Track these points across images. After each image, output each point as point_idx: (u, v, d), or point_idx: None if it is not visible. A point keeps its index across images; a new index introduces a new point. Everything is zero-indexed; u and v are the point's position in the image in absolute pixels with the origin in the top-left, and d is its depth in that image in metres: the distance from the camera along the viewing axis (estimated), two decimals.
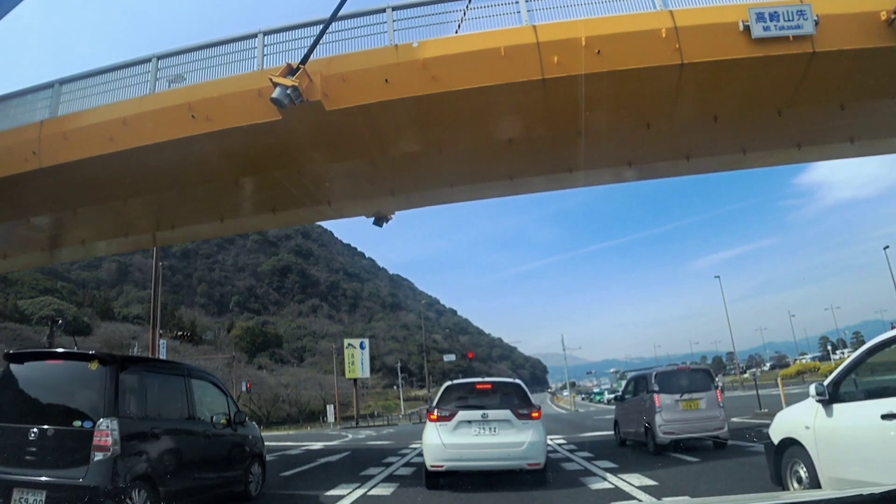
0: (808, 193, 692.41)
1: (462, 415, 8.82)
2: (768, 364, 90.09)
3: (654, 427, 12.22)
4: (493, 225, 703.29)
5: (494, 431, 8.70)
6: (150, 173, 12.14)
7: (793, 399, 22.88)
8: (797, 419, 6.18)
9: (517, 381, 10.20)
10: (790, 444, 6.23)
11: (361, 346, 56.17)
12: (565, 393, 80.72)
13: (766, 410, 20.06)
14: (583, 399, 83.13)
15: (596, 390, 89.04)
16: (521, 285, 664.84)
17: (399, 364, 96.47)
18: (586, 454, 12.70)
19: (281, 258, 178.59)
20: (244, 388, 55.86)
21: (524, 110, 10.81)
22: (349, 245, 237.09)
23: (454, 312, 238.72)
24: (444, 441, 8.70)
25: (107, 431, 5.99)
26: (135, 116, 11.11)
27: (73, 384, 6.58)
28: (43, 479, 5.83)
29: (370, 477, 10.29)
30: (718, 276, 60.87)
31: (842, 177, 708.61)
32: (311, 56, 9.93)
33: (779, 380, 23.37)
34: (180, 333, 55.67)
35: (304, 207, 14.87)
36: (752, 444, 11.90)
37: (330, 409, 56.61)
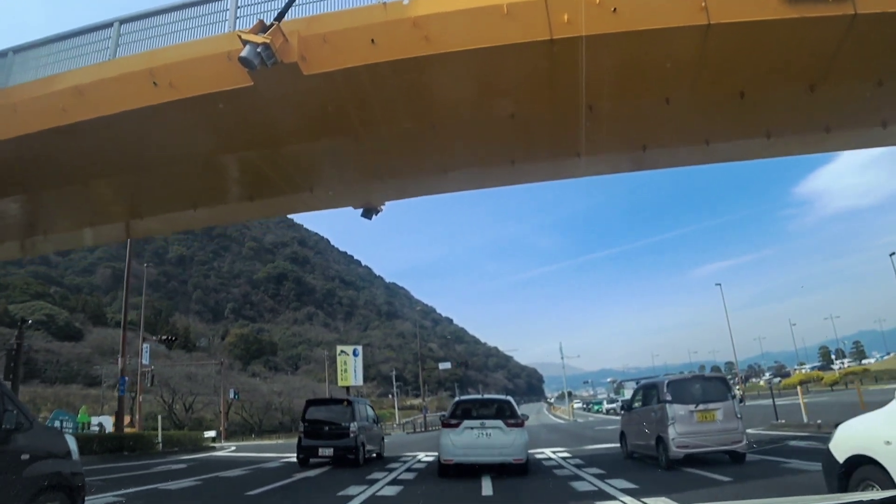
0: (807, 203, 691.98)
1: (466, 423, 11.73)
2: (767, 374, 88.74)
3: (666, 440, 11.32)
4: (489, 233, 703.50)
5: (490, 436, 11.55)
6: (110, 150, 10.93)
7: (813, 409, 21.42)
8: (872, 433, 4.99)
9: (508, 398, 13.15)
10: (862, 462, 5.00)
11: (355, 354, 53.51)
12: (576, 403, 78.29)
13: (783, 421, 18.75)
14: (584, 409, 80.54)
15: (595, 399, 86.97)
16: (517, 294, 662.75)
17: (394, 372, 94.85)
18: (596, 471, 11.24)
19: (277, 265, 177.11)
20: (232, 396, 53.81)
21: (529, 79, 9.61)
22: (345, 253, 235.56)
23: (450, 321, 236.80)
24: (454, 442, 11.62)
25: (354, 428, 15.05)
26: (91, 85, 9.91)
27: (338, 410, 15.97)
28: (330, 443, 14.92)
29: (349, 498, 8.95)
30: (719, 284, 59.14)
31: (842, 185, 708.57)
32: (290, 14, 8.76)
33: (799, 388, 21.77)
34: (164, 338, 53.46)
35: (284, 195, 13.65)
36: (788, 461, 10.55)
37: None
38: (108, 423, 43.46)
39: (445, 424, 11.99)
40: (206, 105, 9.54)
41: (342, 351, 54.53)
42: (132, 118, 9.86)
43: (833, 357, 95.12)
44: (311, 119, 10.41)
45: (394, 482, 10.91)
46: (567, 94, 9.70)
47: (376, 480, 11.11)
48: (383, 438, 19.59)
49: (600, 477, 10.23)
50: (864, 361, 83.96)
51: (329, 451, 14.89)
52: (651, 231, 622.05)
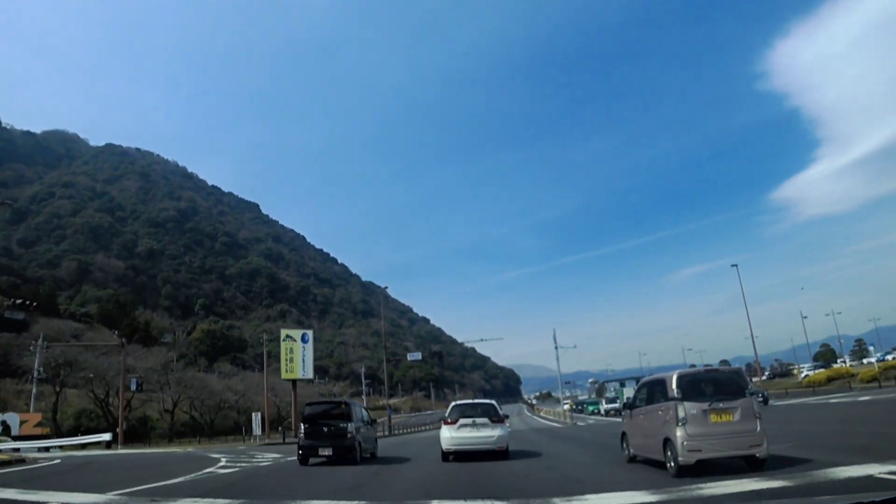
0: (783, 209, 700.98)
1: (462, 421, 15.95)
2: (766, 374, 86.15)
3: (675, 443, 10.18)
4: (468, 235, 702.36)
5: (479, 430, 15.79)
6: None
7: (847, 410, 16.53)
8: None
9: (492, 401, 17.55)
10: None
11: (303, 339, 43.15)
12: (566, 405, 71.34)
13: None
14: (576, 410, 73.47)
15: (590, 399, 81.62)
16: (495, 296, 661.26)
17: (364, 370, 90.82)
18: None
19: (250, 261, 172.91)
20: (133, 387, 45.92)
21: None
22: (321, 250, 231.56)
23: (427, 321, 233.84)
24: (452, 435, 15.82)
25: (351, 429, 16.96)
26: None
27: (336, 412, 17.73)
28: (329, 444, 16.68)
29: None
30: (735, 265, 54.12)
31: (817, 193, 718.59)
32: None
33: None
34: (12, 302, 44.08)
35: None
36: None
37: (256, 418, 41.95)
38: (16, 421, 38.34)
39: (446, 422, 16.14)
40: None
41: (288, 336, 44.12)
42: None
43: (827, 358, 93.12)
44: None
45: None
46: None
47: None
48: (377, 440, 20.43)
49: None
50: (864, 360, 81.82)
51: (328, 451, 16.46)
52: (628, 235, 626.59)
